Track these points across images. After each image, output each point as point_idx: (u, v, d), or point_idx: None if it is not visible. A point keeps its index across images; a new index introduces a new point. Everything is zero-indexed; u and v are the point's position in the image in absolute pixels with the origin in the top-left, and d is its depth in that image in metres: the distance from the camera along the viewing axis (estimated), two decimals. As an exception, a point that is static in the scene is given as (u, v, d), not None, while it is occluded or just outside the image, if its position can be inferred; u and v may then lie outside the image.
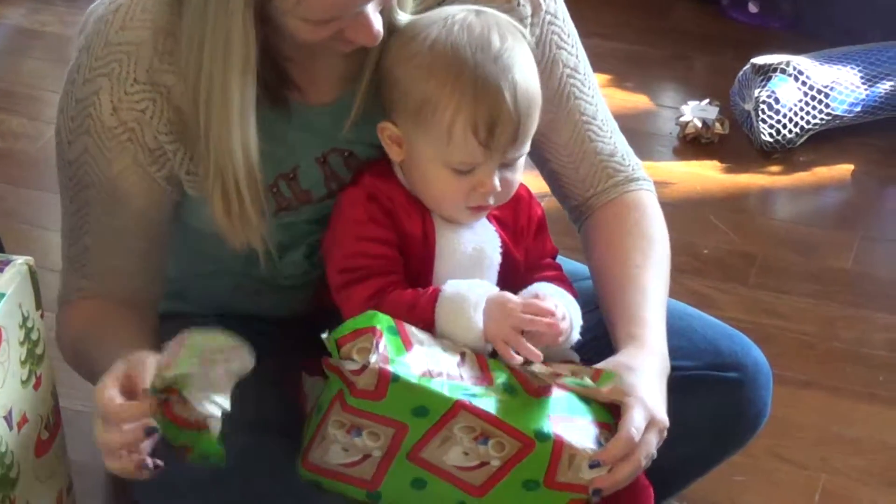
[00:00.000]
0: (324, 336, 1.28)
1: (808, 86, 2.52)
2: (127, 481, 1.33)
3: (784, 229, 2.41)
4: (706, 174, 2.52)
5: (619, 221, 1.54)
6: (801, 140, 2.55)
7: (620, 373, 1.36)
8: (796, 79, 2.52)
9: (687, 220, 2.38)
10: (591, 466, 1.30)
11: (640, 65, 2.85)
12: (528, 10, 1.47)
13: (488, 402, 1.29)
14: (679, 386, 1.43)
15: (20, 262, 1.46)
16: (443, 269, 1.42)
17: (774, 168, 2.54)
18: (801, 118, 2.52)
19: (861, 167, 2.55)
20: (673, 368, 1.44)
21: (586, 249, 1.56)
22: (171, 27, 1.35)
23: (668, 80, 2.84)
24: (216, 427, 1.23)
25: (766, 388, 1.56)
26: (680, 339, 1.50)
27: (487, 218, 1.45)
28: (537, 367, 1.33)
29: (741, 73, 2.59)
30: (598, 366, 1.37)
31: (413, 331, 1.32)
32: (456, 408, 1.28)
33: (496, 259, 1.45)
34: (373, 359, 1.26)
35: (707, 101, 2.62)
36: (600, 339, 1.45)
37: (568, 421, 1.32)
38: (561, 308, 1.37)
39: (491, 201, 1.39)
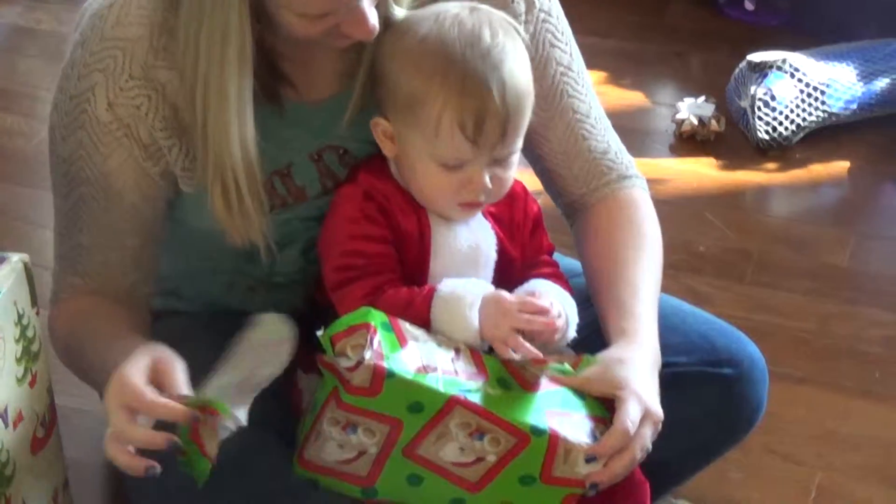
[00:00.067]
0: (319, 333, 1.28)
1: (805, 83, 2.52)
2: (121, 478, 1.32)
3: (780, 226, 2.41)
4: (702, 171, 2.53)
5: (611, 218, 1.54)
6: (798, 137, 2.55)
7: (613, 366, 1.36)
8: (792, 76, 2.52)
9: (683, 217, 2.38)
10: (588, 461, 1.31)
11: (637, 62, 2.85)
12: (521, 7, 1.47)
13: (483, 398, 1.29)
14: (675, 382, 1.43)
15: (15, 259, 1.46)
16: (438, 266, 1.42)
17: (770, 165, 2.54)
18: (798, 115, 2.52)
19: (857, 164, 2.55)
20: (668, 364, 1.44)
21: (578, 246, 1.56)
22: (167, 23, 1.35)
23: (664, 78, 2.84)
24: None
25: (762, 384, 1.56)
26: (675, 335, 1.51)
27: (483, 215, 1.45)
28: (521, 358, 1.33)
29: (737, 70, 2.59)
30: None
31: (407, 327, 1.32)
32: (451, 403, 1.28)
33: (492, 256, 1.45)
34: (367, 355, 1.26)
35: (703, 98, 2.62)
36: (597, 335, 1.45)
37: (563, 415, 1.32)
38: (557, 306, 1.37)
39: (482, 198, 1.39)
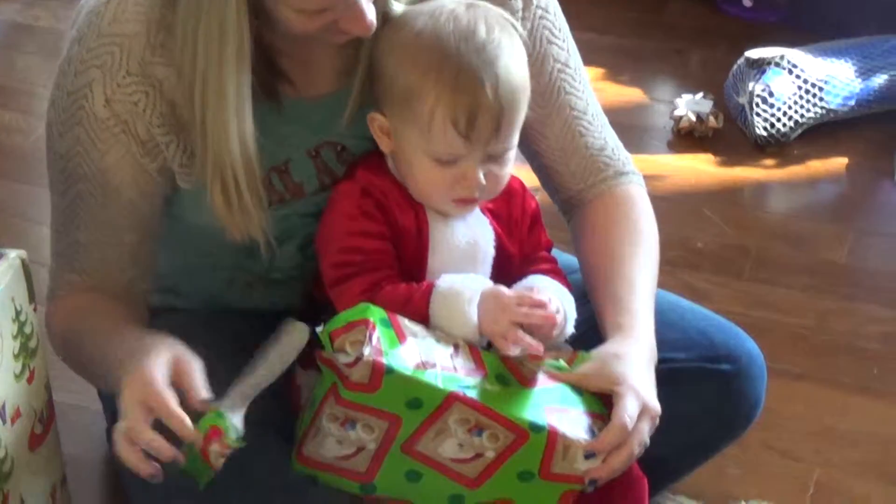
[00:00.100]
0: (318, 329, 1.28)
1: (803, 79, 2.52)
2: (119, 475, 1.32)
3: (778, 222, 2.41)
4: (700, 168, 2.53)
5: (607, 214, 1.54)
6: (796, 134, 2.55)
7: (609, 362, 1.36)
8: (790, 72, 2.52)
9: (681, 213, 2.38)
10: (587, 457, 1.31)
11: (635, 59, 2.85)
12: (519, 3, 1.47)
13: (482, 394, 1.29)
14: (673, 378, 1.43)
15: (13, 255, 1.46)
16: (436, 262, 1.42)
17: (769, 161, 2.54)
18: (796, 112, 2.52)
19: (855, 160, 2.55)
20: (667, 360, 1.44)
21: (575, 242, 1.56)
22: (164, 20, 1.35)
23: (662, 74, 2.84)
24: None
25: (760, 380, 1.56)
26: (673, 331, 1.51)
27: (481, 211, 1.45)
28: (520, 352, 1.33)
29: (735, 66, 2.59)
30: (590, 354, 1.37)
31: (406, 323, 1.32)
32: (450, 399, 1.28)
33: (490, 252, 1.45)
34: (366, 351, 1.26)
35: (701, 94, 2.62)
36: (594, 332, 1.45)
37: (561, 412, 1.32)
38: (555, 301, 1.37)
39: (476, 195, 1.39)
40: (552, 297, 1.37)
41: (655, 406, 1.35)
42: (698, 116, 2.57)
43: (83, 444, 1.81)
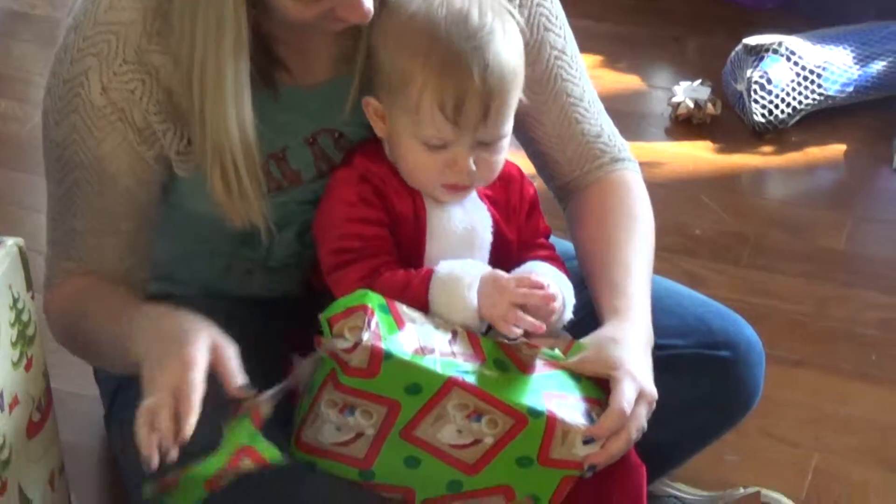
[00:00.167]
0: (320, 316, 1.28)
1: (801, 66, 2.52)
2: (117, 462, 1.32)
3: (776, 209, 2.41)
4: (698, 154, 2.52)
5: (603, 200, 1.54)
6: (794, 120, 2.54)
7: (606, 346, 1.36)
8: (788, 59, 2.52)
9: (679, 200, 2.38)
10: (585, 442, 1.31)
11: (632, 46, 2.84)
12: (516, -10, 1.47)
13: (481, 379, 1.29)
14: (671, 365, 1.43)
15: (10, 243, 1.46)
16: (434, 248, 1.42)
17: (767, 148, 2.53)
18: (794, 98, 2.52)
19: (853, 147, 2.54)
20: (665, 347, 1.44)
21: (571, 228, 1.56)
22: (160, 7, 1.35)
23: (659, 61, 2.84)
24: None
25: (759, 367, 1.56)
26: (672, 318, 1.51)
27: (479, 197, 1.44)
28: (520, 335, 1.33)
29: (733, 53, 2.59)
30: (583, 340, 1.37)
31: (404, 309, 1.32)
32: (449, 385, 1.28)
33: (487, 238, 1.44)
34: (365, 336, 1.26)
35: (699, 81, 2.62)
36: (592, 318, 1.45)
37: (560, 397, 1.32)
38: (553, 286, 1.37)
39: (467, 181, 1.39)
40: (550, 282, 1.37)
41: (652, 391, 1.35)
42: (696, 103, 2.57)
43: (81, 432, 1.81)
